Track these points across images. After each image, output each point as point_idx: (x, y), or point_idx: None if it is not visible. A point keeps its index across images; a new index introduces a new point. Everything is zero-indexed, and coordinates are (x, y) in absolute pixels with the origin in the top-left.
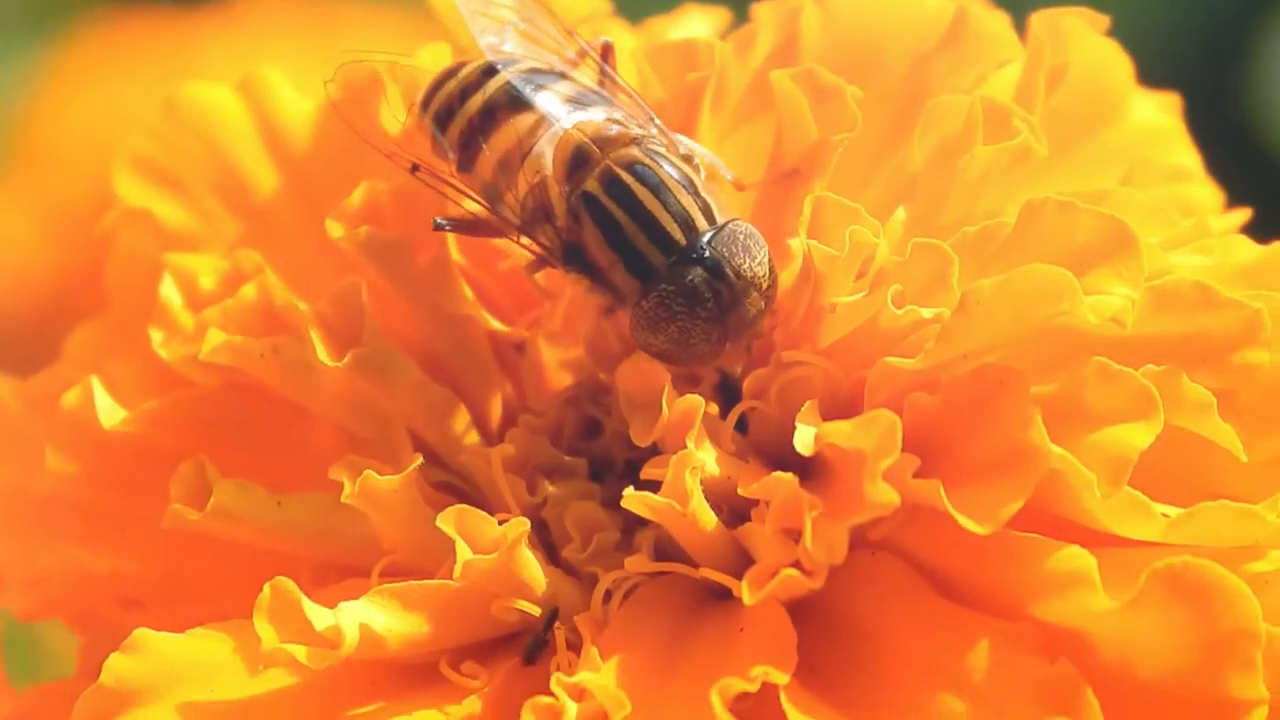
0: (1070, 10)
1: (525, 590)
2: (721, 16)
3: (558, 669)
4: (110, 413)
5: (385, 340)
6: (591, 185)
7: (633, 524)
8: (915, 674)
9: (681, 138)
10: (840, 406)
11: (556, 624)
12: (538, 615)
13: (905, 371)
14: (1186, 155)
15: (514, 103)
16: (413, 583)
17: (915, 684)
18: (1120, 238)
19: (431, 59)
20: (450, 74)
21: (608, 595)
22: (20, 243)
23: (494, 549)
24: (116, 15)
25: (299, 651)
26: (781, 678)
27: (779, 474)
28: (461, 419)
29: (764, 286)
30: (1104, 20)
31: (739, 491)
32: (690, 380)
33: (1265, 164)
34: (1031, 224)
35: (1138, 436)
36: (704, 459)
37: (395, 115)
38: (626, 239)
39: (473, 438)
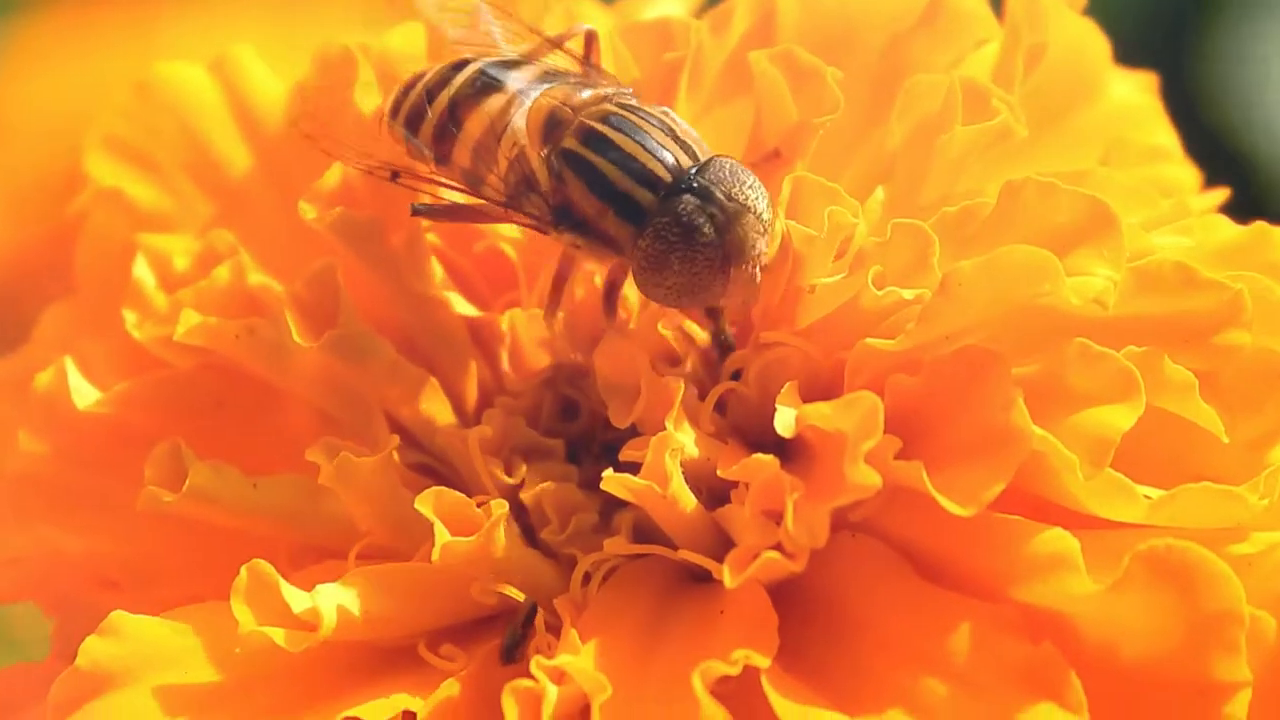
0: None
1: (504, 573)
2: None
3: (537, 652)
4: (84, 394)
5: (361, 322)
6: (569, 142)
7: (611, 506)
8: (897, 657)
9: (665, 109)
10: (820, 388)
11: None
12: (518, 600)
13: (886, 353)
14: (1164, 135)
15: (484, 89)
16: (390, 565)
17: (897, 667)
18: (1101, 218)
19: (403, 41)
20: (416, 79)
21: (587, 577)
22: None
23: (472, 531)
24: None
25: (276, 634)
26: (763, 661)
27: (759, 456)
28: (438, 400)
29: (758, 211)
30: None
31: (719, 473)
32: (670, 360)
33: (1214, 144)
34: (1012, 204)
35: (1120, 418)
36: (683, 440)
37: (369, 98)
38: (611, 185)
39: (449, 419)
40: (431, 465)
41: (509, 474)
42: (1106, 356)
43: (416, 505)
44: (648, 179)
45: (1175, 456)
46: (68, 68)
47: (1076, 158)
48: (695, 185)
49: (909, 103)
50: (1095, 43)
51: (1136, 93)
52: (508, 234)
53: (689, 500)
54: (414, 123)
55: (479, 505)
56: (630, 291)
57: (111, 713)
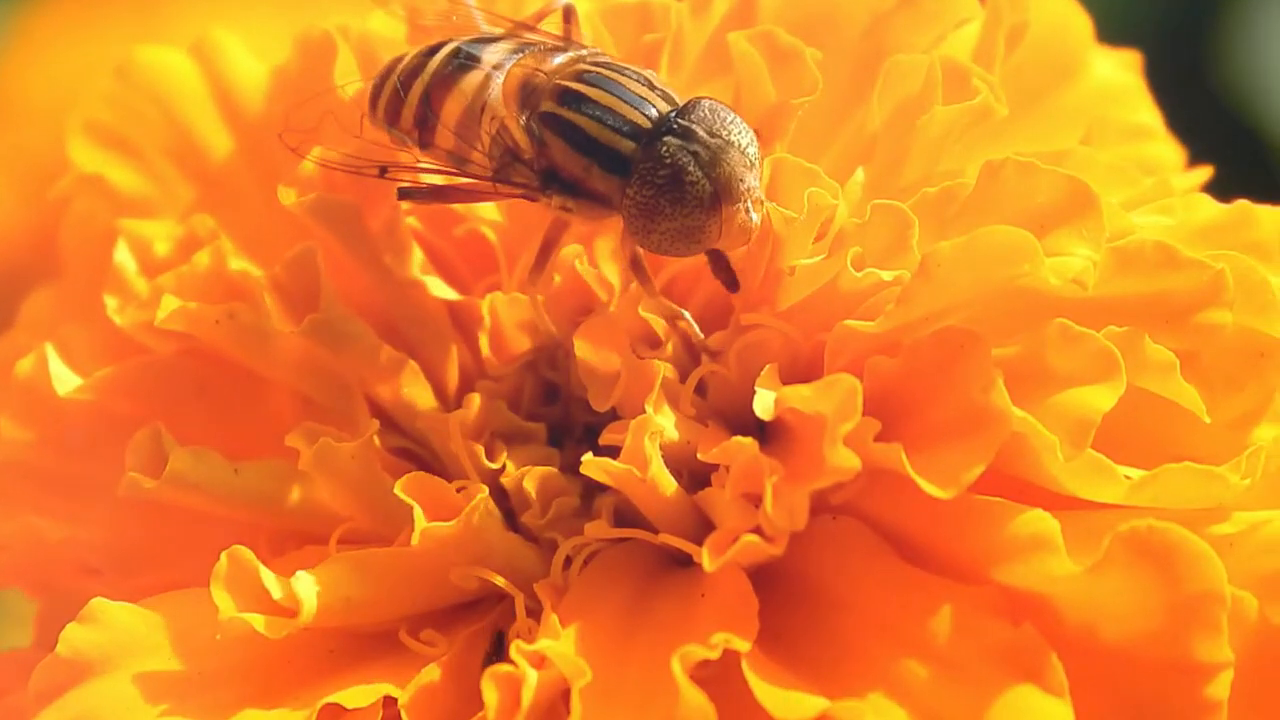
0: None
1: (484, 557)
2: None
3: (517, 636)
4: (65, 380)
5: (341, 306)
6: (547, 105)
7: (592, 489)
8: (878, 639)
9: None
10: (800, 370)
11: (516, 592)
12: (499, 585)
13: (865, 335)
14: (1147, 113)
15: (460, 68)
16: (371, 550)
17: (878, 649)
18: (1081, 198)
19: (384, 25)
20: (390, 68)
21: (567, 561)
22: None
23: (452, 516)
24: None
25: (257, 620)
26: (743, 645)
27: (739, 439)
28: (419, 384)
29: (742, 146)
30: None
31: (699, 456)
32: (651, 343)
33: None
34: (992, 185)
35: (1100, 398)
36: (663, 424)
37: (349, 79)
38: (592, 139)
39: (430, 403)
40: (412, 450)
41: (490, 458)
42: (1087, 337)
43: (396, 490)
44: (628, 129)
45: (1156, 437)
46: (74, 51)
47: (1058, 137)
48: (675, 126)
49: (889, 83)
50: (1077, 21)
51: (1119, 71)
52: (488, 217)
53: (669, 484)
54: (392, 112)
55: (459, 490)
56: (610, 272)
57: (92, 701)
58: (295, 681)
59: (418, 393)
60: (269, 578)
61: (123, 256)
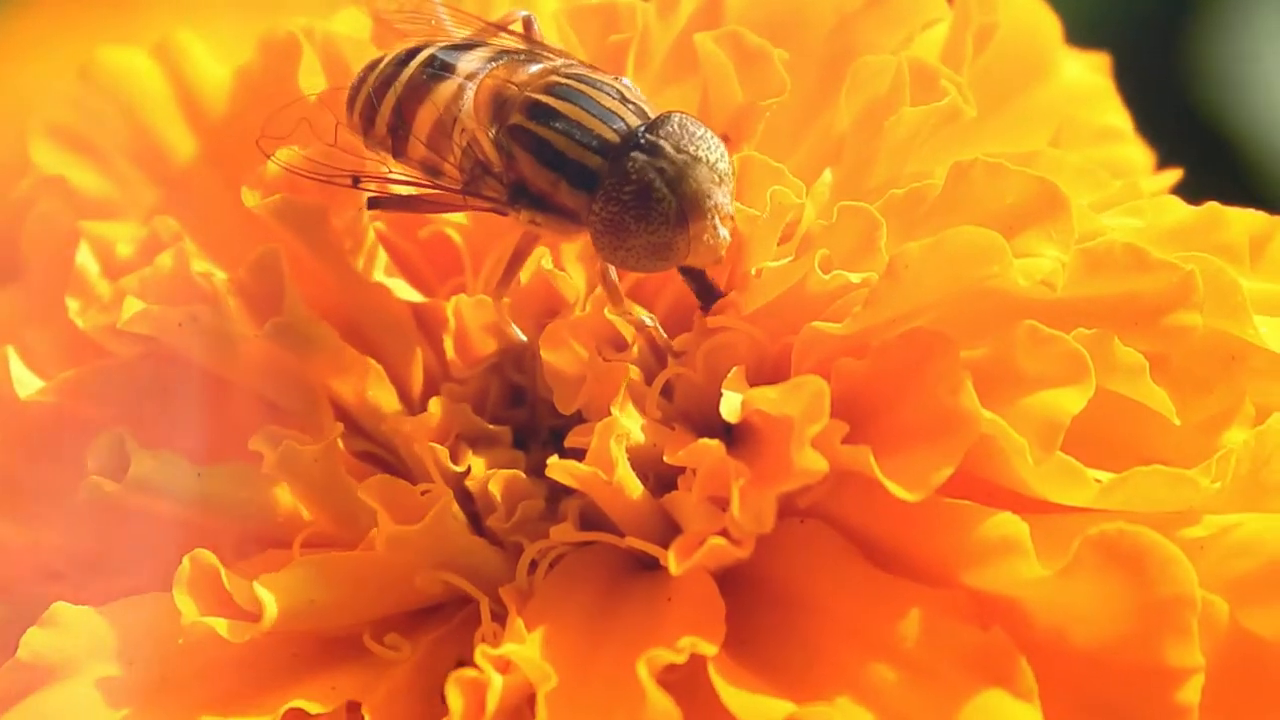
0: None
1: (449, 561)
2: None
3: (482, 640)
4: (26, 383)
5: (305, 309)
6: (515, 118)
7: (558, 493)
8: (846, 643)
9: (618, 76)
10: (767, 372)
11: (481, 596)
12: (464, 589)
13: (833, 336)
14: (1116, 115)
15: (432, 78)
16: (335, 554)
17: (846, 653)
18: (1050, 199)
19: (348, 25)
20: (366, 74)
21: (533, 565)
22: None
23: (417, 519)
24: None
25: (220, 625)
26: (710, 649)
27: (705, 441)
28: (383, 388)
29: (710, 161)
30: None
31: (665, 459)
32: (617, 345)
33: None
34: (960, 186)
35: (1069, 401)
36: (629, 426)
37: (313, 81)
38: (560, 154)
39: (395, 406)
40: (377, 453)
41: (455, 461)
42: (1056, 339)
43: (360, 493)
44: (596, 144)
45: (1126, 439)
46: (46, 56)
47: (1027, 138)
48: (643, 142)
49: (857, 84)
50: (1046, 23)
51: (1088, 73)
52: (453, 219)
53: (635, 487)
54: (367, 120)
55: (423, 493)
56: (576, 274)
57: (54, 705)
58: (259, 686)
59: (382, 396)
60: (232, 582)
61: (85, 259)
